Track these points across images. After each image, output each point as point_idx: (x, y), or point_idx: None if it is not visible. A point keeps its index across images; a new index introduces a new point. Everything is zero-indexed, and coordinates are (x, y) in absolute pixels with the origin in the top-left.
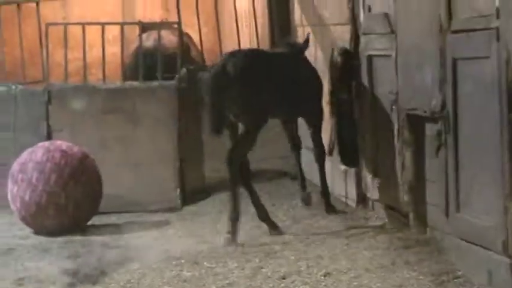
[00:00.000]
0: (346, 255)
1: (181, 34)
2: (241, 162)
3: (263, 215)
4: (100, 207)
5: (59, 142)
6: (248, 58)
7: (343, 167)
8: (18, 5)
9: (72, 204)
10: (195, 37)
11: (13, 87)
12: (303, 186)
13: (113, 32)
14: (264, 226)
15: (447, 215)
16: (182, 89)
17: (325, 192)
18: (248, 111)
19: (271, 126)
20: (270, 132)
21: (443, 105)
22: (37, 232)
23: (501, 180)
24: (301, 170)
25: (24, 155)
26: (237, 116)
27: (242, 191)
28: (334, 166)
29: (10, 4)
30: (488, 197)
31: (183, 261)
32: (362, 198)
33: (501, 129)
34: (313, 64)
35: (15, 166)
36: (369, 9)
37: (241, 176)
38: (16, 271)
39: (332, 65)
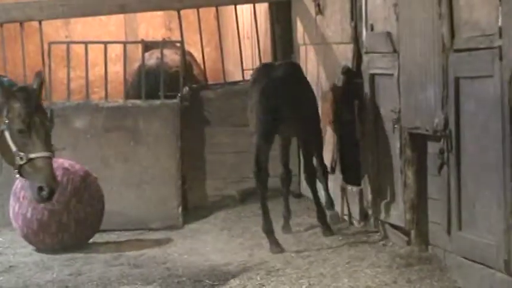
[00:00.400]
0: (348, 274)
1: (184, 53)
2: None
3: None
4: (102, 225)
5: (61, 160)
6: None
7: (345, 185)
8: (21, 24)
9: (74, 222)
10: (198, 56)
11: None
12: (287, 215)
13: (115, 50)
14: (265, 244)
15: (449, 233)
16: (185, 107)
17: (331, 205)
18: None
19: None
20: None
21: (446, 124)
22: (39, 249)
23: (503, 199)
24: (287, 196)
25: None
26: (290, 120)
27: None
28: (336, 184)
29: (13, 23)
30: (491, 216)
31: (184, 278)
32: (364, 216)
33: (503, 147)
34: (317, 82)
35: (18, 183)
36: (372, 28)
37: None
38: None
39: (334, 84)
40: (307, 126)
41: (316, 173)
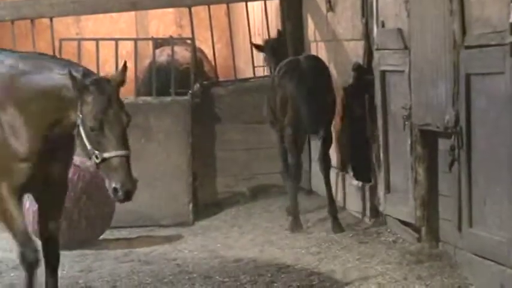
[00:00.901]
0: (358, 270)
1: (195, 50)
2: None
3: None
4: (112, 222)
5: None
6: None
7: (356, 182)
8: (32, 21)
9: (85, 219)
10: (209, 53)
11: None
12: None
13: (126, 47)
14: (276, 241)
15: (460, 229)
16: (195, 104)
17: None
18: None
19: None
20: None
21: (457, 121)
22: None
23: None
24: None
25: None
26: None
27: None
28: (347, 181)
29: (24, 20)
30: (502, 212)
31: (195, 275)
32: (374, 213)
33: None
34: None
35: None
36: (383, 25)
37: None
38: None
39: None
40: (331, 116)
41: (331, 164)
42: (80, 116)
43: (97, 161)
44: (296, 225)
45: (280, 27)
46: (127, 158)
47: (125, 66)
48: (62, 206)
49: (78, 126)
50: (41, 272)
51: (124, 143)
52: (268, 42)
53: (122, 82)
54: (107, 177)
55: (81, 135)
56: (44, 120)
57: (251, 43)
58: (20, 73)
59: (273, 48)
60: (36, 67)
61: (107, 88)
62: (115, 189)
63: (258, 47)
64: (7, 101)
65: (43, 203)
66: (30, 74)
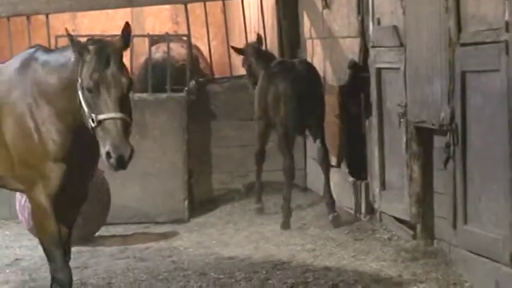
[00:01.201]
0: (353, 267)
1: (191, 46)
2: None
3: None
4: (108, 218)
5: None
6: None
7: (351, 179)
8: (28, 17)
9: (80, 215)
10: (204, 49)
11: None
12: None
13: None
14: (271, 237)
15: (455, 227)
16: (191, 101)
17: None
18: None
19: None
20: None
21: (452, 118)
22: None
23: (509, 193)
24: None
25: None
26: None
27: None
28: (342, 178)
29: (20, 16)
30: (497, 210)
31: (190, 272)
32: (370, 210)
33: (510, 141)
34: (323, 76)
35: None
36: (378, 22)
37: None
38: (24, 282)
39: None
40: (321, 122)
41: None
42: (79, 80)
43: (93, 124)
44: (286, 224)
45: (275, 26)
46: (124, 122)
47: (127, 25)
48: (76, 215)
49: (78, 92)
50: (44, 269)
51: (122, 106)
52: (251, 46)
53: (124, 45)
54: (101, 143)
55: (80, 100)
56: (69, 112)
57: (231, 47)
58: (51, 70)
59: (258, 51)
60: (61, 59)
61: (106, 49)
62: (107, 154)
63: (238, 50)
64: (41, 98)
65: (60, 206)
66: (59, 69)
